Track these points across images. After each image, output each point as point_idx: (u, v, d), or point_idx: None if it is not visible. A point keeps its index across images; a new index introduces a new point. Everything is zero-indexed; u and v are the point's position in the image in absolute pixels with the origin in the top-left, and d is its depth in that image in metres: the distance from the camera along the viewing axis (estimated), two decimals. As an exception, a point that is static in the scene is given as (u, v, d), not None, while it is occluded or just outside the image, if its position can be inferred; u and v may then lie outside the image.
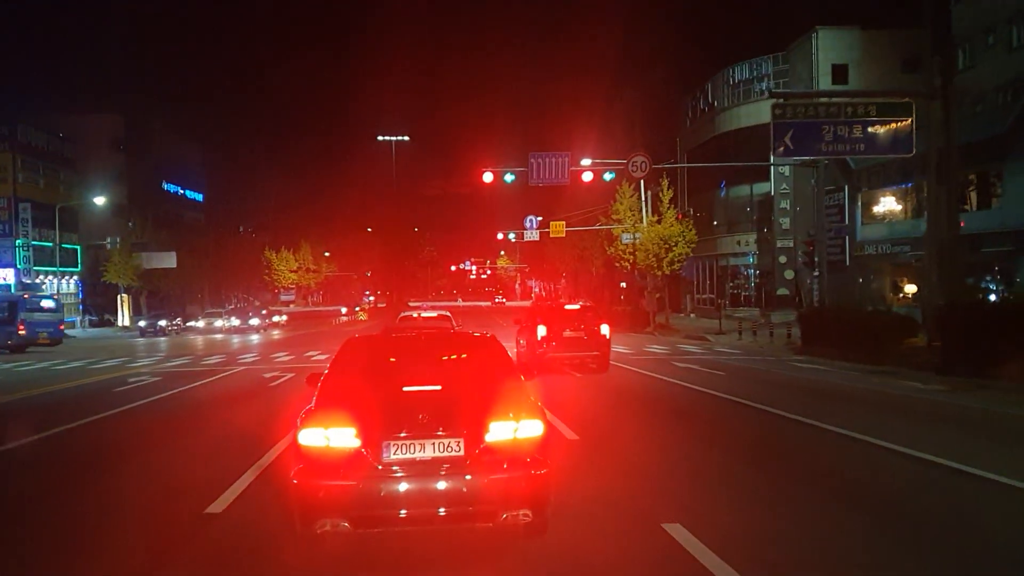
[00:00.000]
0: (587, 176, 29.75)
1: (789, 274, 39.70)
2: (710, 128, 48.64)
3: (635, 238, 37.52)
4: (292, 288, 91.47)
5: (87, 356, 27.69)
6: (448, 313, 22.75)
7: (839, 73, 38.95)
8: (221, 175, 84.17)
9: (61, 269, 52.21)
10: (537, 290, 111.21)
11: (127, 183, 60.83)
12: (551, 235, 49.42)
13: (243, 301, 79.11)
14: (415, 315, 23.60)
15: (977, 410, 11.92)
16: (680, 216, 39.10)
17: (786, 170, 40.31)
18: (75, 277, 56.99)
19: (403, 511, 5.02)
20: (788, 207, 42.09)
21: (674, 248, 36.85)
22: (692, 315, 48.91)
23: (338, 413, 5.20)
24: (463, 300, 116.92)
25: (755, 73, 45.70)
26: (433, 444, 5.08)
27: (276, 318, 57.35)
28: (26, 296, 35.33)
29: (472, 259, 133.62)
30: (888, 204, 34.92)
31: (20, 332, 31.44)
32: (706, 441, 9.65)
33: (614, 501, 6.65)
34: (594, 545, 5.62)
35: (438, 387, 5.68)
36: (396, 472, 5.02)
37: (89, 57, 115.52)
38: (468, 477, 5.02)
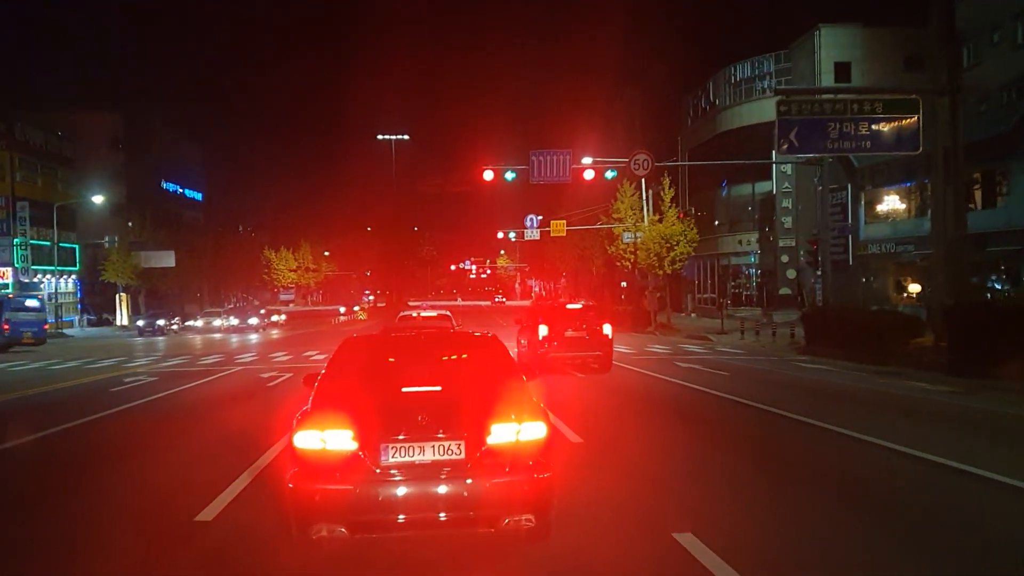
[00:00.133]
0: (589, 174, 29.50)
1: (791, 273, 39.52)
2: (711, 127, 48.45)
3: (636, 237, 37.33)
4: (291, 287, 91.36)
5: (84, 355, 27.49)
6: (448, 312, 22.55)
7: (842, 71, 38.76)
8: (220, 174, 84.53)
9: (59, 268, 52.00)
10: (537, 289, 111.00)
11: (126, 182, 60.58)
12: (552, 234, 49.23)
13: (242, 300, 78.96)
14: (415, 314, 23.42)
15: (988, 412, 11.68)
16: (682, 215, 38.89)
17: (788, 169, 40.12)
18: (73, 276, 56.75)
19: (402, 516, 4.87)
20: (790, 206, 41.93)
21: (675, 247, 36.65)
22: (693, 315, 48.73)
23: (335, 415, 5.04)
24: (463, 300, 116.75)
25: (757, 71, 45.51)
26: (433, 447, 4.93)
27: (275, 317, 57.19)
28: (11, 296, 35.59)
29: (472, 258, 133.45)
30: (892, 203, 34.71)
31: (4, 331, 31.62)
32: (714, 444, 9.42)
33: (621, 507, 6.42)
34: (600, 554, 5.41)
35: (438, 388, 5.53)
36: (395, 475, 4.87)
37: (88, 56, 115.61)
38: (469, 481, 4.87)
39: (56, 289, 51.93)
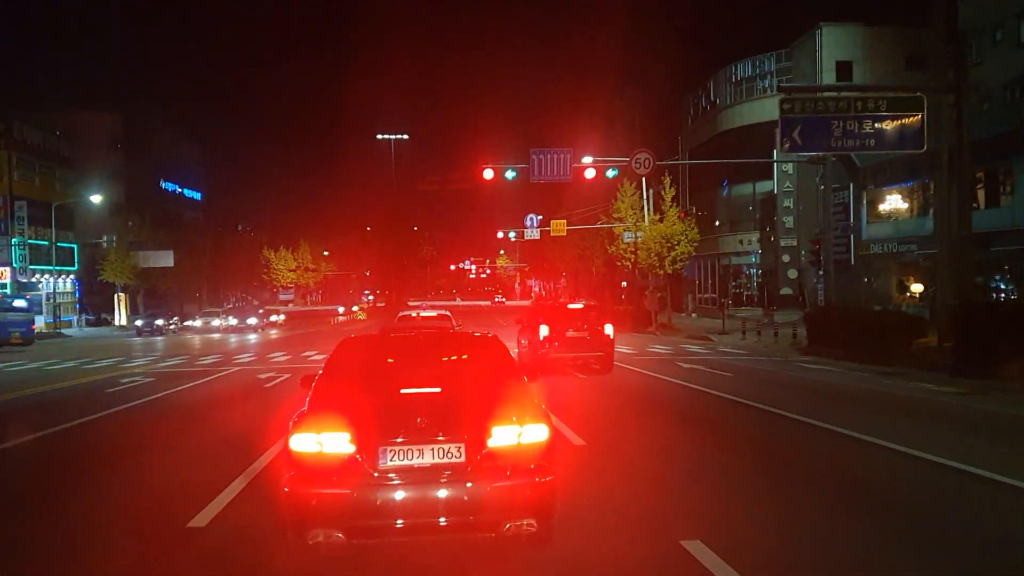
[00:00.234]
0: (589, 173, 29.34)
1: (792, 273, 39.39)
2: (712, 126, 48.31)
3: (637, 237, 37.18)
4: (291, 287, 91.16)
5: (82, 356, 27.33)
6: (448, 312, 22.40)
7: (843, 70, 38.65)
8: (220, 174, 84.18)
9: (58, 268, 51.87)
10: (537, 289, 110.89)
11: (124, 181, 60.42)
12: (552, 234, 49.11)
13: (241, 300, 78.80)
14: (414, 314, 23.30)
15: (998, 414, 11.51)
16: (682, 215, 38.73)
17: (789, 168, 39.99)
18: (72, 276, 56.57)
19: (400, 521, 4.75)
20: (791, 206, 41.81)
21: (676, 247, 36.49)
22: (694, 315, 48.60)
23: (331, 417, 4.92)
24: (462, 299, 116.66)
25: (758, 70, 45.37)
26: (432, 450, 4.81)
27: (274, 317, 57.05)
28: None
29: (471, 258, 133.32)
30: (894, 202, 34.54)
31: None
32: (719, 447, 9.25)
33: (626, 513, 6.26)
34: (604, 559, 5.27)
35: (437, 389, 5.39)
36: (393, 479, 4.75)
37: (88, 55, 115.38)
38: (469, 485, 4.75)
39: (54, 289, 51.78)
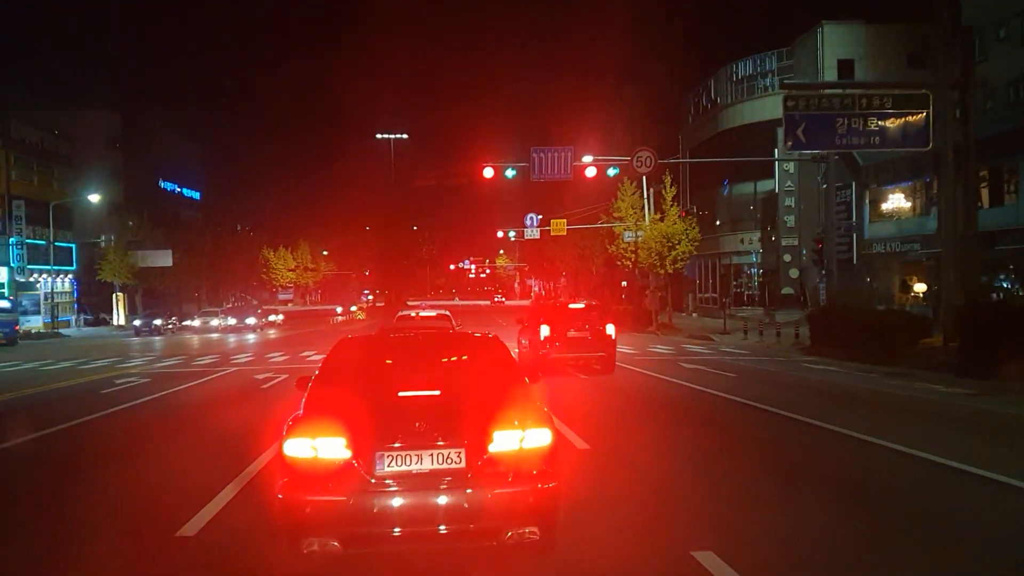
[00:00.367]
0: (591, 171, 29.13)
1: (794, 273, 39.21)
2: (713, 125, 48.09)
3: (637, 236, 36.99)
4: (290, 287, 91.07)
5: (79, 355, 27.11)
6: (447, 312, 22.17)
7: (845, 68, 38.46)
8: (219, 173, 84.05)
9: (56, 268, 51.66)
10: (537, 289, 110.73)
11: (123, 181, 60.25)
12: (552, 233, 48.93)
13: (241, 300, 78.54)
14: (413, 314, 23.06)
15: (1008, 416, 11.30)
16: (683, 214, 38.53)
17: (791, 167, 39.79)
18: (70, 276, 56.33)
19: (398, 529, 4.58)
20: (793, 205, 41.61)
21: (677, 246, 36.27)
22: (694, 314, 48.42)
23: (327, 421, 4.75)
24: (461, 299, 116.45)
25: (759, 69, 45.14)
26: (431, 455, 4.64)
27: (273, 317, 56.82)
28: None
29: (471, 258, 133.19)
30: (897, 201, 34.38)
31: None
32: (725, 450, 9.04)
33: (633, 521, 6.04)
34: (610, 568, 5.09)
35: (437, 392, 5.21)
36: (390, 486, 4.58)
37: (86, 54, 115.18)
38: (470, 491, 4.58)
39: (52, 289, 51.54)
